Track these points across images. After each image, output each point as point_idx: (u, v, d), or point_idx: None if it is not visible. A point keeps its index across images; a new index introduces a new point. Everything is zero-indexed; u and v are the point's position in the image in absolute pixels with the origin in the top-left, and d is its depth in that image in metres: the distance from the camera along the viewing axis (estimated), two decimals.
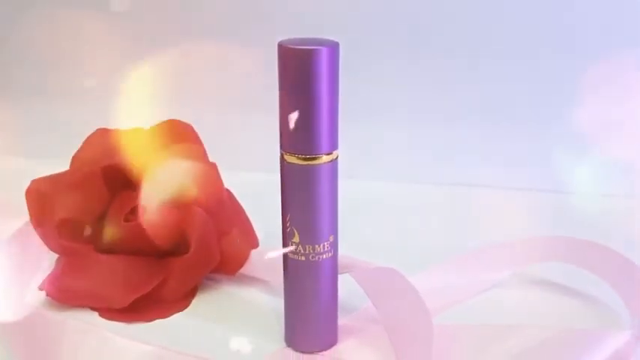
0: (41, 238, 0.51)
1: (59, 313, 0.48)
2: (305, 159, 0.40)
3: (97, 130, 0.55)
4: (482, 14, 0.69)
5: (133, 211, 0.51)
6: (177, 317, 0.49)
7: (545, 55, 0.69)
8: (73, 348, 0.42)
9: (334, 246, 0.42)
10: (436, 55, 0.70)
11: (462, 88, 0.71)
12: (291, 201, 0.41)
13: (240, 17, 0.72)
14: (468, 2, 0.69)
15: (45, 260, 0.52)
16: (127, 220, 0.51)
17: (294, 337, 0.45)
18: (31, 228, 0.51)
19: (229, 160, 0.56)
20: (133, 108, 0.71)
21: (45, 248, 0.52)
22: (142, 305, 0.48)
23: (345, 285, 0.45)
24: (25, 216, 0.52)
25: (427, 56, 0.71)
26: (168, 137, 0.53)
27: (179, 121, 0.55)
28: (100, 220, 0.52)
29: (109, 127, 0.55)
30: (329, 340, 0.45)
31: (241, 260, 0.53)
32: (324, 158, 0.40)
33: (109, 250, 0.51)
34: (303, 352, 0.44)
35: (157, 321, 0.48)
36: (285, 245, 0.42)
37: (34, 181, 0.52)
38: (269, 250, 0.51)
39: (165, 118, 0.55)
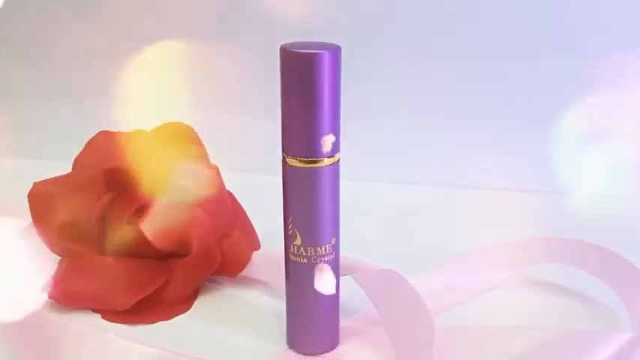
0: (43, 240, 0.51)
1: (61, 315, 0.48)
2: (307, 162, 0.40)
3: (99, 132, 0.55)
4: (482, 14, 0.69)
5: (135, 213, 0.51)
6: (179, 319, 0.49)
7: (545, 55, 0.69)
8: (75, 350, 0.43)
9: (336, 248, 0.43)
10: (436, 55, 0.70)
11: (462, 88, 0.71)
12: (293, 203, 0.41)
13: (241, 17, 0.72)
14: (468, 2, 0.69)
15: (47, 262, 0.52)
16: (129, 223, 0.51)
17: (296, 338, 0.45)
18: (33, 230, 0.51)
19: (230, 162, 0.56)
20: (135, 110, 0.71)
21: (47, 250, 0.52)
22: (144, 307, 0.49)
23: (347, 287, 0.45)
24: (27, 218, 0.52)
25: (427, 56, 0.70)
26: (170, 139, 0.53)
27: (180, 123, 0.55)
28: (101, 222, 0.52)
29: (110, 130, 0.55)
30: (330, 341, 0.45)
31: (243, 262, 0.53)
32: (326, 161, 0.40)
33: (113, 252, 0.51)
34: (304, 353, 0.45)
35: (159, 323, 0.48)
36: (286, 247, 0.43)
37: (36, 184, 0.52)
38: (270, 252, 0.51)
39: (167, 120, 0.55)
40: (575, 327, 0.47)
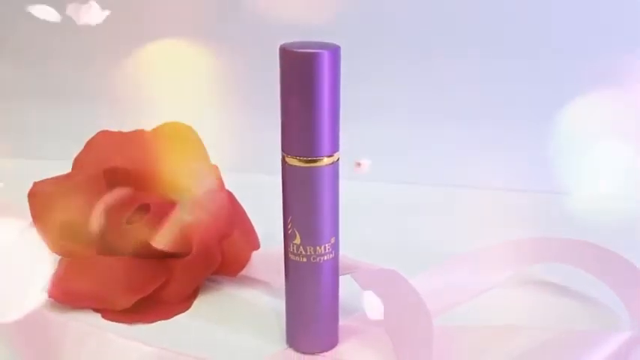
0: (43, 240, 0.51)
1: (61, 315, 0.48)
2: (306, 161, 0.40)
3: (99, 132, 0.55)
4: (482, 14, 0.69)
5: (136, 212, 0.51)
6: (179, 318, 0.49)
7: (545, 55, 0.69)
8: (75, 349, 0.43)
9: (335, 247, 0.43)
10: (436, 55, 0.70)
11: (461, 88, 0.71)
12: (293, 203, 0.41)
13: (240, 17, 0.72)
14: (468, 2, 0.69)
15: (47, 262, 0.52)
16: (129, 223, 0.51)
17: (296, 338, 0.45)
18: (33, 230, 0.52)
19: (230, 162, 0.56)
20: (135, 110, 0.71)
21: (47, 250, 0.52)
22: (144, 307, 0.49)
23: (346, 286, 0.45)
24: (27, 218, 0.52)
25: (427, 56, 0.70)
26: (170, 139, 0.53)
27: (180, 123, 0.55)
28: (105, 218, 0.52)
29: (110, 129, 0.55)
30: (330, 341, 0.45)
31: (242, 262, 0.53)
32: (326, 160, 0.40)
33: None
34: (304, 352, 0.45)
35: (159, 322, 0.48)
36: (286, 247, 0.43)
37: (36, 184, 0.52)
38: (270, 252, 0.51)
39: (167, 120, 0.55)
40: (575, 327, 0.47)
